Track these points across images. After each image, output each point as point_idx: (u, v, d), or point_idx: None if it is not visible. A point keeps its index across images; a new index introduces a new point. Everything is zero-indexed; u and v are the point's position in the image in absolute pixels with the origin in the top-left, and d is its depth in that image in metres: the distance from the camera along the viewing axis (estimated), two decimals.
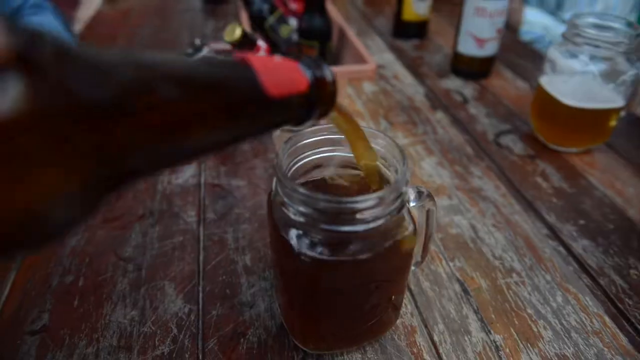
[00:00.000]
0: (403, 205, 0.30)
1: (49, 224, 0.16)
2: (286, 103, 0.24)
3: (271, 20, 0.86)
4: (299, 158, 0.33)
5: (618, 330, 0.39)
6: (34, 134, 0.14)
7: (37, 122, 0.14)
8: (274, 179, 0.31)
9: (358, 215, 0.27)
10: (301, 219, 0.28)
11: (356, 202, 0.27)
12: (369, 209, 0.27)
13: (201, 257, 0.45)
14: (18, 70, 0.14)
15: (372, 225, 0.28)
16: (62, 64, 0.15)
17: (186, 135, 0.20)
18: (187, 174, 0.56)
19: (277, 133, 0.65)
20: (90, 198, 0.17)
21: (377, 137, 0.33)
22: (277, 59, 0.24)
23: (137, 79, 0.18)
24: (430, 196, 0.33)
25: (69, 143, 0.15)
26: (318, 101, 0.25)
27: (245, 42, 0.72)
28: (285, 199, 0.29)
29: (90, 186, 0.16)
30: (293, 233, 0.30)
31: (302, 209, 0.28)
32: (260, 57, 0.23)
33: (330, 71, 0.26)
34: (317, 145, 0.33)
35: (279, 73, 0.23)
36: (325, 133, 0.33)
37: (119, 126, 0.17)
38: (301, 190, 0.27)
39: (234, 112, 0.21)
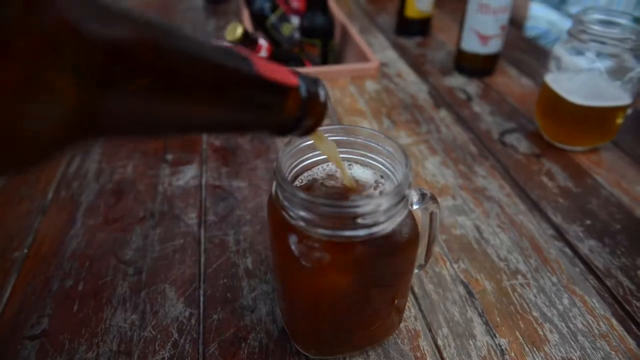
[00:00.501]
0: (406, 208, 0.29)
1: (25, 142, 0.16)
2: (275, 93, 0.24)
3: (273, 18, 0.86)
4: (299, 160, 0.32)
5: (625, 334, 0.39)
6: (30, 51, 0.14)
7: (32, 38, 0.14)
8: (274, 182, 0.30)
9: (360, 220, 0.27)
10: (302, 223, 0.28)
11: (358, 206, 0.26)
12: (370, 213, 0.27)
13: (202, 260, 0.44)
14: None
15: (374, 229, 0.27)
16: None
17: (172, 99, 0.19)
18: (188, 175, 0.56)
19: None
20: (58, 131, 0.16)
21: (378, 139, 0.32)
22: (272, 62, 0.24)
23: (143, 29, 0.18)
24: (433, 198, 0.32)
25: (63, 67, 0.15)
26: (307, 114, 0.25)
27: (247, 41, 0.71)
28: (286, 203, 0.28)
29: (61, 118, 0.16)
30: (293, 237, 0.29)
31: (302, 213, 0.27)
32: (255, 56, 0.23)
33: (325, 91, 0.26)
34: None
35: (271, 65, 0.24)
36: (327, 135, 0.33)
37: (111, 68, 0.17)
38: (301, 194, 0.26)
39: (224, 82, 0.21)
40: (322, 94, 0.26)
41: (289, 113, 0.25)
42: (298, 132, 0.26)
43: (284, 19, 0.87)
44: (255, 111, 0.24)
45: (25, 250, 0.45)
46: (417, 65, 0.86)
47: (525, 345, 0.38)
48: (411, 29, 0.98)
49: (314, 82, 0.26)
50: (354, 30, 0.90)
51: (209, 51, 0.21)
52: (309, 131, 0.27)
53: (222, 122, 0.23)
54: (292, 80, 0.24)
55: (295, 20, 0.92)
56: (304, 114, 0.25)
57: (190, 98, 0.20)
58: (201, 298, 0.41)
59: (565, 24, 1.09)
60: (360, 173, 0.34)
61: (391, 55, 0.90)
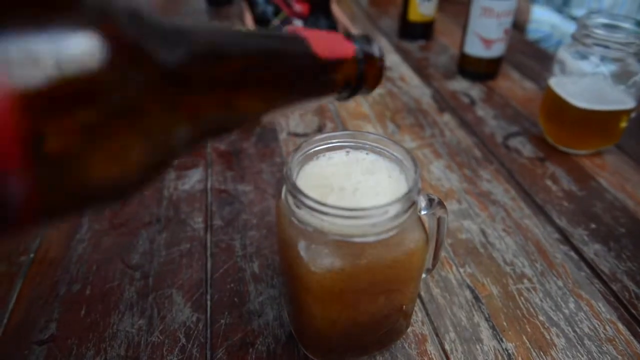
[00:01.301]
0: (414, 214, 0.29)
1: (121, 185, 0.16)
2: (334, 70, 0.25)
3: (275, 22, 0.86)
4: (309, 165, 0.32)
5: (632, 337, 0.39)
6: (118, 91, 0.15)
7: (117, 81, 0.14)
8: (283, 187, 0.30)
9: (369, 226, 0.27)
10: (311, 229, 0.28)
11: (367, 212, 0.26)
12: (380, 219, 0.27)
13: (209, 265, 0.44)
14: (98, 31, 0.14)
15: (383, 236, 0.27)
16: (137, 25, 0.16)
17: (250, 97, 0.21)
18: (193, 179, 0.56)
19: (284, 135, 0.64)
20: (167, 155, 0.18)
21: (386, 144, 0.32)
22: (325, 32, 0.26)
23: (208, 46, 0.20)
24: (441, 204, 0.32)
25: (146, 102, 0.16)
26: (366, 74, 0.27)
27: None
28: (295, 209, 0.28)
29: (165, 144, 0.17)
30: (302, 243, 0.29)
31: (312, 219, 0.27)
32: (310, 29, 0.25)
33: (380, 49, 0.27)
34: (328, 152, 0.33)
35: (327, 40, 0.25)
36: (335, 140, 0.33)
37: (189, 90, 0.18)
38: (311, 200, 0.26)
39: (290, 75, 0.23)
40: (376, 51, 0.27)
41: (347, 81, 0.26)
42: (362, 92, 0.28)
43: (287, 22, 0.88)
44: (314, 88, 0.25)
45: (32, 255, 0.45)
46: (421, 69, 0.86)
47: (532, 349, 0.38)
48: (414, 32, 0.98)
49: (367, 41, 0.26)
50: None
51: (266, 45, 0.22)
52: (370, 89, 0.28)
53: (282, 104, 0.24)
54: (348, 49, 0.26)
55: (298, 24, 0.92)
56: (364, 75, 0.26)
57: (254, 92, 0.21)
58: (208, 303, 0.41)
59: (568, 27, 1.09)
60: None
61: (394, 59, 0.90)
